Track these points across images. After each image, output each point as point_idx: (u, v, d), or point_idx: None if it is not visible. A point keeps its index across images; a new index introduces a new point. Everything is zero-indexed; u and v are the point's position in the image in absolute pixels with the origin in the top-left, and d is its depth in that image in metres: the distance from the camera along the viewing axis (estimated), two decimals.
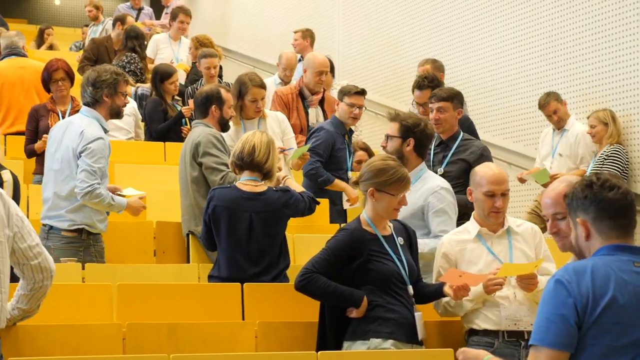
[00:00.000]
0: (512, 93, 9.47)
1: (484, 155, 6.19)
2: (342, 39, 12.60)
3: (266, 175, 5.32)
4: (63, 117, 7.27)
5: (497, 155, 7.93)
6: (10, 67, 8.38)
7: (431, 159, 6.27)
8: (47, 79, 7.40)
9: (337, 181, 6.95)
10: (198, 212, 5.87)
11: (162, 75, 8.80)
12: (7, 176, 4.84)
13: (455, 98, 6.34)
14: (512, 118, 9.49)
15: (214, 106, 6.13)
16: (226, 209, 5.25)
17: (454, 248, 4.96)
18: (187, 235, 5.99)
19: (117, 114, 5.86)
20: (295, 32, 10.76)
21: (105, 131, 5.78)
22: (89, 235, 5.69)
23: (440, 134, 6.33)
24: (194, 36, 10.69)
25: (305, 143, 6.90)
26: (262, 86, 6.70)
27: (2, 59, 8.59)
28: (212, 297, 5.08)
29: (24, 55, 8.71)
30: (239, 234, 5.23)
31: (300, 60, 10.12)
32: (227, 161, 5.80)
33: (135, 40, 10.19)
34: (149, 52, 10.81)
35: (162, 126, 8.69)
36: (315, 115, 8.10)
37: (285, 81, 9.51)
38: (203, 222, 5.38)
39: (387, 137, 5.50)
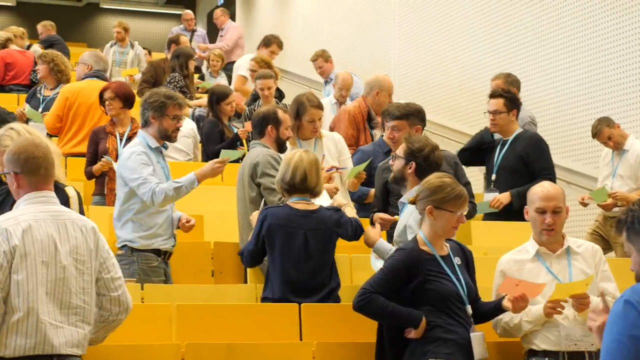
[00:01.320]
0: (570, 111, 9.38)
1: (458, 163, 6.27)
2: (399, 58, 12.60)
3: (316, 194, 5.38)
4: (121, 139, 7.36)
5: (557, 174, 7.85)
6: (88, 88, 8.46)
7: None
8: (100, 100, 7.50)
9: (372, 191, 6.91)
10: None
11: (219, 96, 8.88)
12: (71, 192, 4.91)
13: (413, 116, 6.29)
14: (570, 136, 9.40)
15: (270, 126, 6.17)
16: (281, 227, 5.27)
17: (511, 267, 4.93)
18: None
19: (166, 137, 5.92)
20: (315, 61, 10.86)
21: (158, 150, 5.90)
22: (133, 251, 5.77)
23: None
24: (255, 57, 10.78)
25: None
26: (320, 107, 6.73)
27: (84, 78, 8.72)
28: (269, 317, 5.09)
29: (105, 79, 8.81)
30: (294, 252, 5.25)
31: (330, 80, 10.25)
32: None
33: (177, 60, 10.25)
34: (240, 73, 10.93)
35: (219, 147, 8.75)
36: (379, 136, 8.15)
37: (340, 101, 9.55)
38: (253, 241, 5.37)
39: (394, 156, 5.50)
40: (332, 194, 6.16)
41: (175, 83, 10.10)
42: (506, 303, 4.68)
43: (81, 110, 8.33)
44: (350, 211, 5.80)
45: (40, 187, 3.97)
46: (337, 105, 9.54)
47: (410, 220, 5.17)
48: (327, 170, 6.25)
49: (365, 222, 6.46)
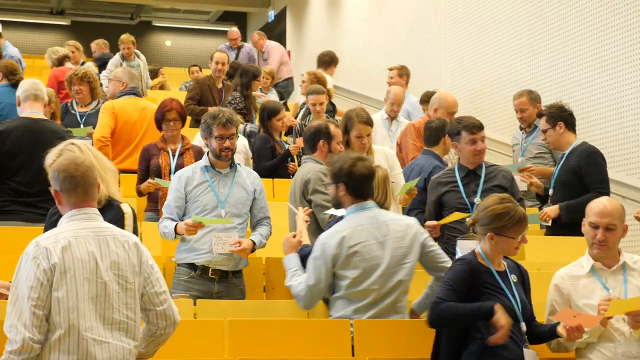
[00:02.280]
0: (624, 124, 9.27)
1: (514, 178, 6.51)
2: (450, 72, 12.56)
3: (385, 209, 5.38)
4: (173, 156, 7.42)
5: (611, 188, 7.75)
6: (130, 106, 8.53)
7: (461, 190, 6.37)
8: (160, 119, 7.53)
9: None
10: None
11: (270, 112, 8.92)
12: (127, 209, 4.97)
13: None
14: (624, 150, 9.28)
15: (322, 141, 6.18)
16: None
17: (566, 282, 4.91)
18: None
19: (216, 156, 6.03)
20: (391, 70, 10.73)
21: (212, 167, 5.99)
22: (175, 265, 5.93)
23: (470, 165, 6.44)
24: (309, 71, 10.80)
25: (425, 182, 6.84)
26: (368, 122, 6.70)
27: (119, 96, 8.79)
28: (321, 333, 5.08)
29: (140, 95, 8.88)
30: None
31: (407, 95, 10.15)
32: None
33: (240, 79, 10.17)
34: None
35: (270, 163, 8.79)
36: None
37: (392, 117, 9.52)
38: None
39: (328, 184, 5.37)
40: None
41: (236, 104, 9.98)
42: (561, 330, 4.64)
43: (126, 128, 8.38)
44: None
45: (80, 205, 4.01)
46: (389, 121, 9.52)
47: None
48: None
49: None
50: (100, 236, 3.97)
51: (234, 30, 15.43)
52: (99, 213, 4.08)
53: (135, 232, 5.06)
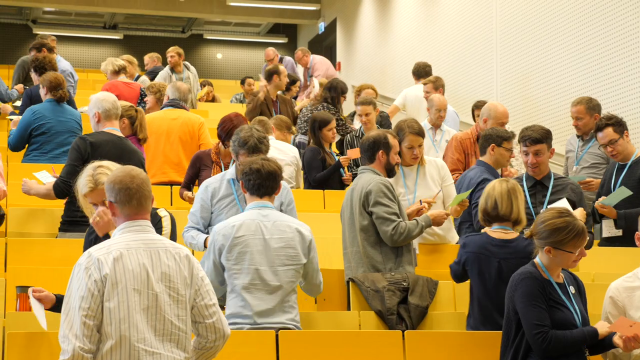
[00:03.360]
0: None
1: (582, 193, 6.43)
2: (501, 84, 12.48)
3: (516, 222, 5.40)
4: (226, 169, 7.43)
5: None
6: (162, 118, 8.60)
7: (528, 200, 6.30)
8: (224, 135, 7.37)
9: None
10: (366, 261, 5.91)
11: (321, 122, 8.92)
12: (163, 212, 5.01)
13: (549, 138, 6.46)
14: None
15: (380, 151, 6.16)
16: (476, 255, 5.35)
17: (621, 294, 4.87)
18: (348, 282, 6.00)
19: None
20: (425, 84, 10.64)
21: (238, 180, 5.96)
22: None
23: (536, 176, 6.38)
24: (363, 84, 10.79)
25: (471, 195, 6.78)
26: (420, 133, 6.68)
27: (162, 108, 8.87)
28: (373, 345, 5.07)
29: (182, 107, 8.94)
30: (487, 281, 5.28)
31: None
32: (397, 211, 5.90)
33: (328, 93, 10.26)
34: None
35: (321, 175, 8.79)
36: None
37: (436, 126, 9.43)
38: (455, 261, 5.55)
39: None
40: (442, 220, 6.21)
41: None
42: (617, 340, 4.60)
43: (152, 139, 8.39)
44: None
45: (134, 217, 4.04)
46: (433, 130, 9.45)
47: None
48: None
49: None
50: (152, 248, 4.00)
51: (269, 50, 15.42)
52: (151, 225, 4.10)
53: (173, 235, 5.11)
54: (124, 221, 4.05)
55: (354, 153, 8.44)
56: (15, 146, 8.33)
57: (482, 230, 5.48)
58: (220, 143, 7.23)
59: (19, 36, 22.61)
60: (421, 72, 11.55)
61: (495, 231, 5.38)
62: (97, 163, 4.95)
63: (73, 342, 3.76)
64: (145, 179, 4.10)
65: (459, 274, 5.54)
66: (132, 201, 4.03)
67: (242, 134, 5.86)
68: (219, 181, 6.00)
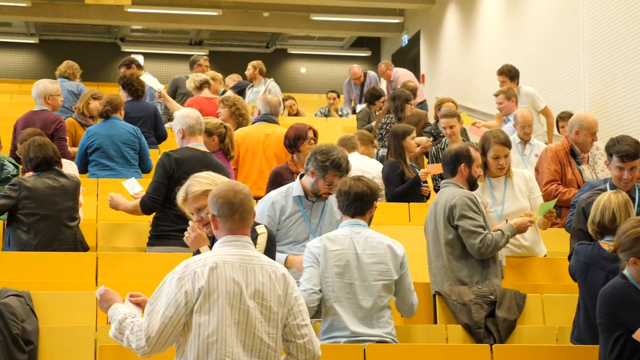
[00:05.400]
0: None
1: None
2: (589, 94, 12.29)
3: None
4: None
5: None
6: (255, 132, 8.65)
7: None
8: (296, 141, 7.33)
9: None
10: (452, 274, 5.89)
11: (404, 132, 8.87)
12: (262, 229, 5.03)
13: None
14: None
15: (462, 164, 6.11)
16: (584, 265, 5.32)
17: None
18: (434, 295, 5.96)
19: (317, 195, 5.97)
20: (497, 95, 10.45)
21: (306, 196, 5.99)
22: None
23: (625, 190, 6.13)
24: (443, 98, 10.75)
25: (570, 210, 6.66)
26: (506, 143, 6.61)
27: (253, 122, 8.95)
28: (461, 359, 5.03)
29: (274, 122, 8.99)
30: (594, 292, 5.17)
31: (507, 120, 9.96)
32: (483, 223, 5.87)
33: (393, 102, 10.35)
34: None
35: (399, 189, 8.73)
36: (589, 172, 7.97)
37: (525, 140, 9.30)
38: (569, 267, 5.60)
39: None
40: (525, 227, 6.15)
41: (387, 127, 10.04)
42: None
43: (248, 154, 8.48)
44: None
45: (235, 232, 4.07)
46: (522, 145, 9.33)
47: None
48: None
49: None
50: (248, 264, 4.02)
51: (355, 68, 15.39)
52: (251, 242, 4.13)
53: (268, 253, 5.11)
54: (225, 235, 4.09)
55: (435, 169, 8.40)
56: (80, 169, 8.55)
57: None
58: (294, 154, 7.32)
59: (108, 54, 23.13)
60: (514, 73, 11.25)
61: (606, 242, 5.26)
62: (195, 176, 4.94)
63: (142, 341, 3.89)
64: (248, 194, 4.12)
65: (573, 278, 5.58)
66: (235, 215, 4.06)
67: (334, 156, 5.87)
68: (284, 198, 6.02)
